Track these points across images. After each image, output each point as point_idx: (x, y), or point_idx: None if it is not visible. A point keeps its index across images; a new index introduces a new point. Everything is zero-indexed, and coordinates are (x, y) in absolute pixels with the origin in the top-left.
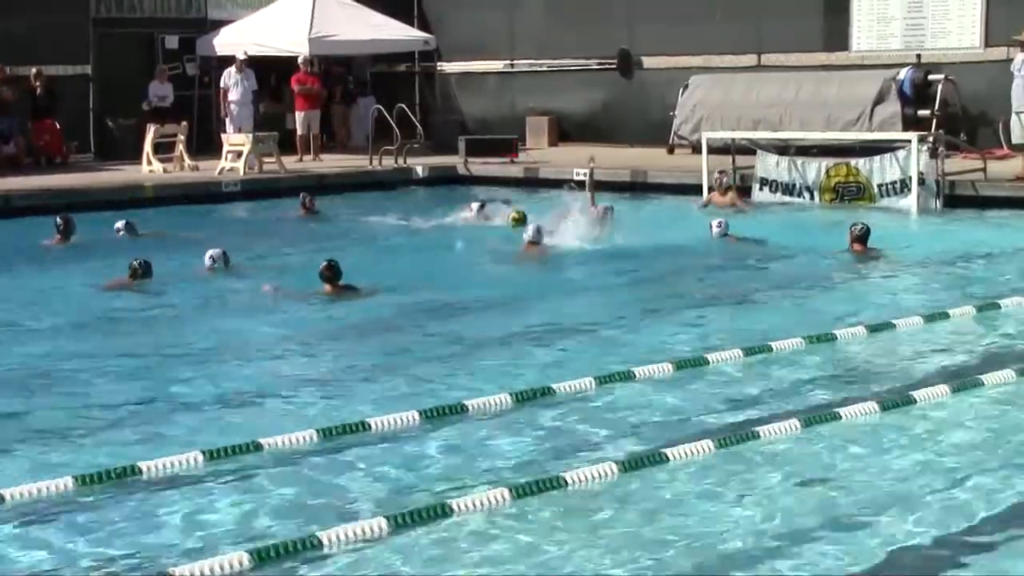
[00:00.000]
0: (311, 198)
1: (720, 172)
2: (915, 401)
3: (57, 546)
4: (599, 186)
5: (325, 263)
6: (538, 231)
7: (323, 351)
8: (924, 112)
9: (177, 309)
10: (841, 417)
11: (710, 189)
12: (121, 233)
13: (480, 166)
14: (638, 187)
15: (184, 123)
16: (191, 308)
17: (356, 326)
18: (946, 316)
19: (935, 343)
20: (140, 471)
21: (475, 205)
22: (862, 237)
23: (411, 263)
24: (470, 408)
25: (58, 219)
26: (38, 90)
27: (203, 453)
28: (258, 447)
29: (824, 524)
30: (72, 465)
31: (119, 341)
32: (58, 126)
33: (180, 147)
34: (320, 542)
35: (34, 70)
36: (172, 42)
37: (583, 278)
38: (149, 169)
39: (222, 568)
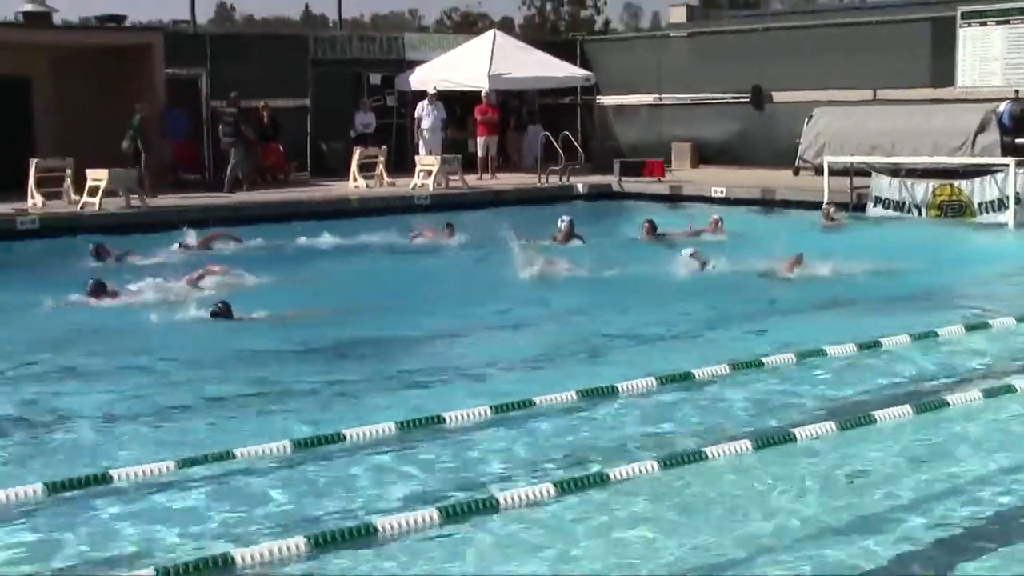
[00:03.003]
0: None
1: (828, 203)
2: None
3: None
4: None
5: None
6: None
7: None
8: (1021, 140)
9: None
10: (948, 404)
11: (829, 208)
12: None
13: (632, 184)
14: (768, 203)
15: (384, 146)
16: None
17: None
18: None
19: None
20: (235, 456)
21: (646, 225)
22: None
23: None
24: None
25: (91, 246)
26: (264, 119)
27: (292, 443)
28: (341, 437)
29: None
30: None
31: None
32: (281, 149)
33: (380, 167)
34: (376, 529)
35: (261, 103)
36: (375, 79)
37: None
38: (355, 185)
39: (281, 552)
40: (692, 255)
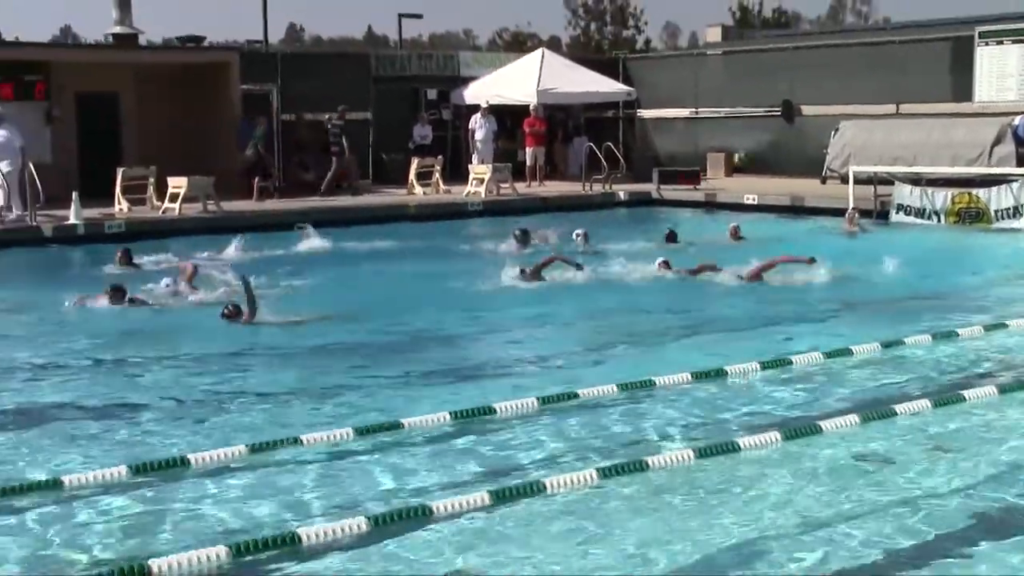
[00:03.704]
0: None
1: (853, 208)
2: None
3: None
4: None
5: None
6: (521, 272)
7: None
8: None
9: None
10: (965, 399)
11: (854, 213)
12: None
13: (670, 192)
14: (797, 210)
15: (440, 157)
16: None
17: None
18: None
19: None
20: (302, 442)
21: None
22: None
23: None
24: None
25: (118, 252)
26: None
27: (355, 431)
28: (399, 426)
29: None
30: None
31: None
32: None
33: (436, 175)
34: (431, 510)
35: (326, 116)
36: (432, 94)
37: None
38: (412, 192)
39: (343, 530)
40: (662, 263)
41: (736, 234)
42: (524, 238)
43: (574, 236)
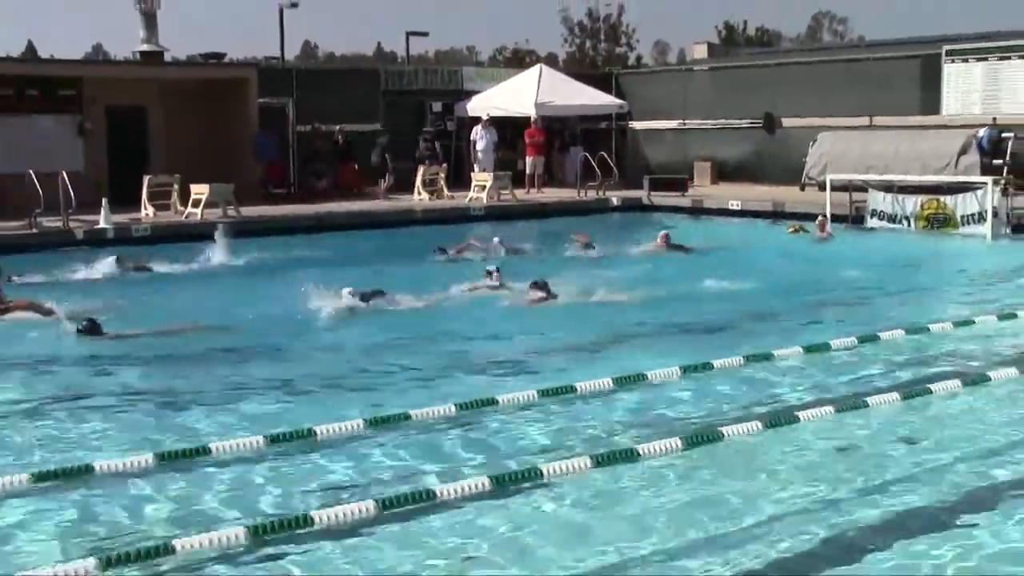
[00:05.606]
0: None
1: (822, 216)
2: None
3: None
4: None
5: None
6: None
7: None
8: (998, 161)
9: None
10: (931, 392)
11: (823, 220)
12: None
13: (660, 198)
14: (778, 215)
15: (444, 165)
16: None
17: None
18: (1014, 316)
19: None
20: (316, 433)
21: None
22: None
23: None
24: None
25: None
26: (340, 141)
27: (365, 421)
28: (407, 417)
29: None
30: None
31: None
32: (356, 167)
33: (441, 182)
34: (435, 494)
35: (337, 127)
36: (437, 107)
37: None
38: (419, 198)
39: (353, 514)
40: (490, 272)
41: (586, 242)
42: (443, 252)
43: (493, 241)
